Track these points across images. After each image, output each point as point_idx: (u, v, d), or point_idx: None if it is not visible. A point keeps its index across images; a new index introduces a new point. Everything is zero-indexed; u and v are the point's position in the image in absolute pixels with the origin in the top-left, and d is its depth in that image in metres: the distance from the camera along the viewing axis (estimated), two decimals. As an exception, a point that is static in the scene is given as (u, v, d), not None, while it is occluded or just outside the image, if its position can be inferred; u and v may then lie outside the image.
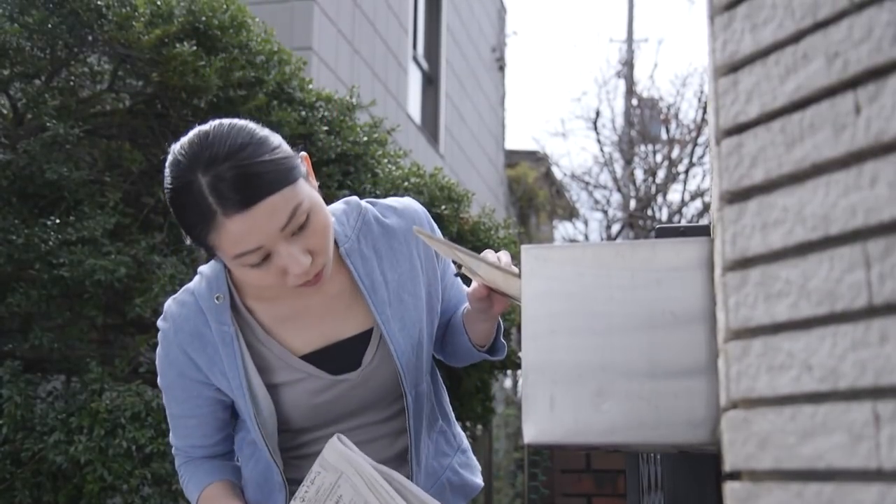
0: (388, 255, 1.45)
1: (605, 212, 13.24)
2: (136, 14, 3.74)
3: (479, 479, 1.62)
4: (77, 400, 3.42)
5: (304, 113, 3.99)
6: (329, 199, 3.64)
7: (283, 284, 1.30)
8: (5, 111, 3.83)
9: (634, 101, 13.38)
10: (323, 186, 4.04)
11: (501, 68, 13.61)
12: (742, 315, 0.78)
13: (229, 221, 1.21)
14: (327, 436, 1.38)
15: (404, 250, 1.46)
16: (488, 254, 1.34)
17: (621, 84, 13.90)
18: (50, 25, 3.63)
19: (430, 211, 4.90)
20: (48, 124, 3.56)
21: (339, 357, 1.43)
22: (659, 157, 12.88)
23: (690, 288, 0.95)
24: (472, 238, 4.51)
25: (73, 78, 3.91)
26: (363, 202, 1.50)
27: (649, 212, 12.62)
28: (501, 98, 13.70)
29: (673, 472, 1.18)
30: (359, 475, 1.33)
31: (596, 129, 13.27)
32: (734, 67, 0.81)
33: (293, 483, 1.43)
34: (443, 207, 4.35)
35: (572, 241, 13.61)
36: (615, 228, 13.04)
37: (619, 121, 13.43)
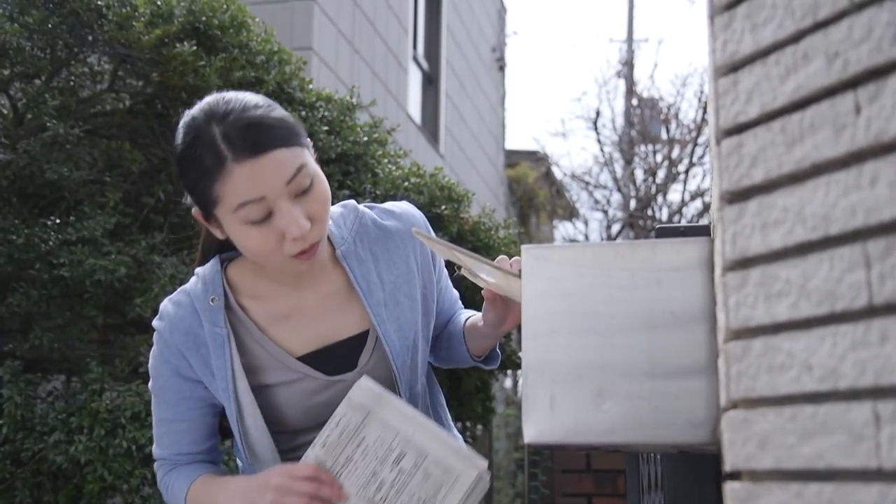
0: (384, 258, 1.46)
1: (606, 212, 13.25)
2: (137, 14, 3.74)
3: None
4: (77, 400, 3.42)
5: (304, 113, 3.99)
6: (329, 199, 3.49)
7: (279, 252, 1.31)
8: (5, 111, 3.83)
9: (634, 101, 13.38)
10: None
11: (501, 68, 13.62)
12: (742, 315, 0.78)
13: (238, 167, 1.26)
14: None
15: (401, 252, 1.47)
16: (503, 261, 1.35)
17: (621, 84, 13.91)
18: (50, 25, 3.63)
19: (430, 211, 4.85)
20: (48, 124, 3.56)
21: (335, 358, 1.43)
22: (659, 157, 12.89)
23: (690, 288, 0.95)
24: (472, 238, 4.51)
25: (73, 78, 3.91)
26: (360, 206, 1.52)
27: (649, 212, 12.62)
28: (501, 98, 13.70)
29: (673, 472, 1.18)
30: (389, 406, 1.33)
31: (596, 129, 13.28)
32: (734, 67, 0.81)
33: None
34: (443, 207, 4.35)
35: (572, 241, 13.61)
36: (615, 228, 13.04)
37: (620, 121, 13.43)
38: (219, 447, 1.57)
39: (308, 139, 1.38)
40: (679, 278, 0.96)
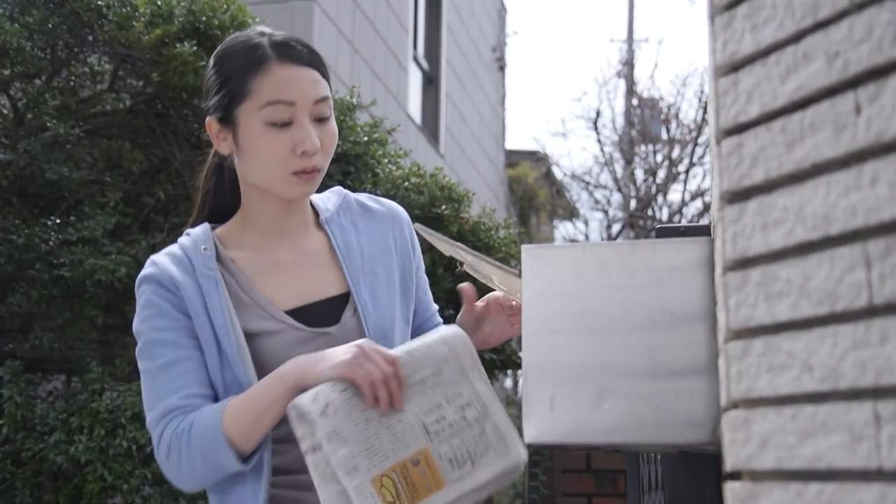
0: (365, 231, 1.54)
1: (606, 212, 13.24)
2: (137, 14, 3.74)
3: None
4: (77, 400, 3.42)
5: (304, 113, 3.99)
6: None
7: (285, 164, 1.39)
8: (6, 111, 3.83)
9: (635, 101, 13.37)
10: (323, 186, 4.04)
11: (502, 68, 13.61)
12: (742, 315, 0.78)
13: (279, 67, 1.38)
14: None
15: (380, 231, 1.55)
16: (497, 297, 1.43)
17: (622, 84, 13.90)
18: (50, 25, 3.63)
19: (430, 211, 4.85)
20: (48, 124, 3.56)
21: (317, 316, 1.45)
22: (659, 157, 12.88)
23: (691, 288, 0.95)
24: (472, 238, 4.51)
25: (73, 78, 3.91)
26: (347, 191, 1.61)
27: (650, 212, 12.62)
28: (502, 98, 13.70)
29: (673, 472, 1.18)
30: (474, 364, 1.35)
31: (596, 128, 13.27)
32: (734, 67, 0.81)
33: (278, 472, 1.40)
34: (443, 207, 4.35)
35: (573, 241, 13.61)
36: (615, 228, 13.04)
37: (620, 121, 13.43)
38: None
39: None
40: (679, 278, 0.96)
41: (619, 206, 13.05)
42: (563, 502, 3.98)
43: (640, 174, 12.91)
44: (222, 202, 1.53)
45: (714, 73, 0.83)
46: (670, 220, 12.25)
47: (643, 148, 13.07)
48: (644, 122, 13.09)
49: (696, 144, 12.28)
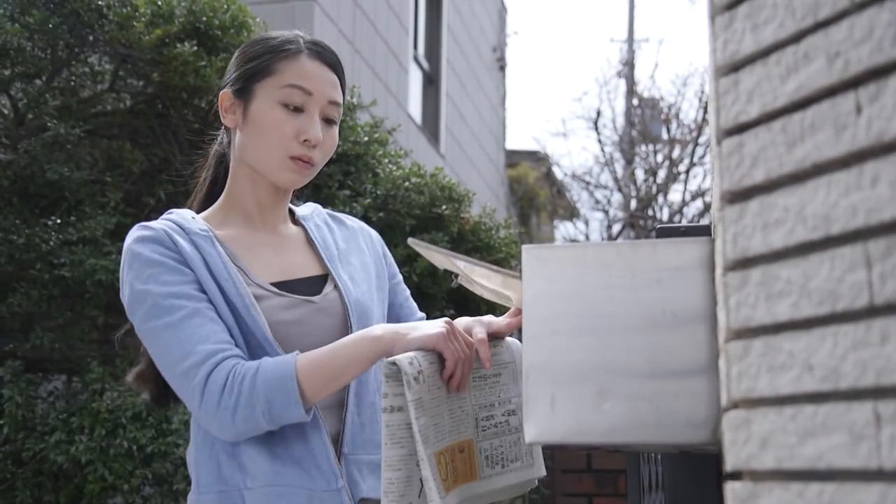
0: (338, 232, 1.61)
1: (606, 212, 13.25)
2: (137, 14, 3.74)
3: None
4: (78, 400, 3.42)
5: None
6: (330, 199, 3.64)
7: (285, 146, 1.44)
8: (6, 111, 3.83)
9: (635, 101, 13.38)
10: (324, 186, 4.05)
11: (502, 68, 13.61)
12: (743, 315, 0.78)
13: (307, 60, 1.47)
14: None
15: (352, 235, 1.63)
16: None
17: (622, 84, 13.91)
18: (51, 25, 3.63)
19: (430, 211, 4.84)
20: (49, 124, 3.56)
21: (299, 289, 1.48)
22: (660, 157, 12.89)
23: (691, 288, 0.95)
24: (472, 238, 4.51)
25: (73, 78, 3.91)
26: None
27: (650, 212, 12.62)
28: (502, 98, 13.70)
29: (674, 472, 1.18)
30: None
31: (597, 128, 13.28)
32: (735, 67, 0.81)
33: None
34: (443, 207, 4.35)
35: (573, 241, 13.61)
36: (616, 228, 13.04)
37: (620, 121, 13.43)
38: None
39: None
40: (680, 278, 0.96)
41: (620, 206, 13.05)
42: (564, 502, 3.99)
43: (640, 174, 12.91)
44: (217, 191, 1.56)
45: (714, 72, 0.83)
46: (671, 220, 12.25)
47: (644, 148, 13.07)
48: (644, 122, 13.09)
49: (696, 144, 12.28)
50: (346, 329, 1.46)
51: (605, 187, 13.28)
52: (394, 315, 1.62)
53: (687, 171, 12.43)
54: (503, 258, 4.47)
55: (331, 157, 1.53)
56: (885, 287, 0.65)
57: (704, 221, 7.74)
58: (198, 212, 1.54)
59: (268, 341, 1.38)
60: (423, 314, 1.68)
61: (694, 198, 12.46)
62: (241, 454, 1.38)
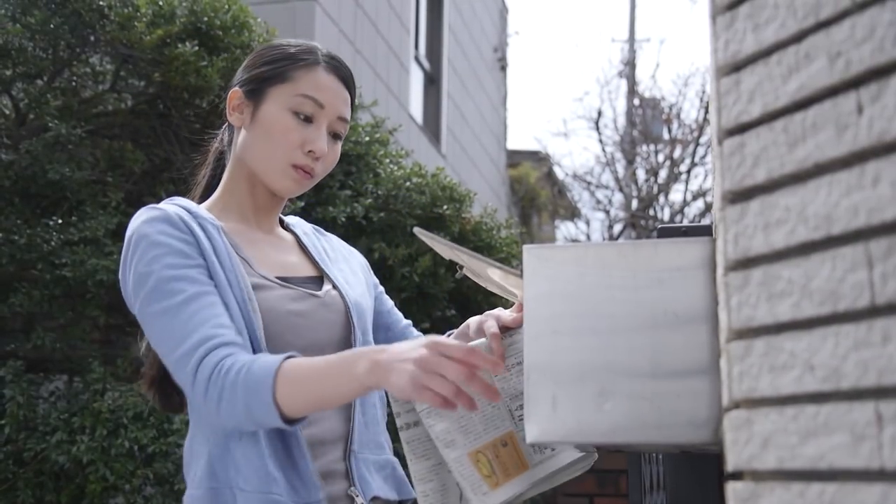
0: (324, 241, 1.63)
1: (607, 212, 13.24)
2: (138, 14, 3.74)
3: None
4: (79, 400, 3.42)
5: (305, 113, 3.99)
6: (331, 199, 3.64)
7: (289, 153, 1.45)
8: (8, 111, 3.83)
9: (636, 101, 13.37)
10: (325, 186, 4.05)
11: (503, 68, 13.61)
12: (744, 315, 0.78)
13: (323, 72, 1.48)
14: None
15: (337, 245, 1.65)
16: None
17: (623, 84, 13.91)
18: (52, 26, 3.63)
19: (431, 211, 4.83)
20: (50, 124, 3.56)
21: (301, 285, 1.47)
22: (661, 157, 12.88)
23: (693, 288, 0.95)
24: (473, 238, 4.51)
25: (75, 78, 3.91)
26: None
27: (651, 212, 12.62)
28: (503, 98, 13.69)
29: (675, 472, 1.18)
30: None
31: (598, 128, 13.27)
32: (736, 67, 0.81)
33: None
34: (444, 207, 4.34)
35: (574, 241, 13.61)
36: (617, 228, 13.03)
37: (621, 121, 13.43)
38: None
39: None
40: (681, 278, 0.96)
41: (621, 206, 13.05)
42: (565, 502, 3.98)
43: (641, 174, 12.91)
44: (210, 191, 1.56)
45: (716, 72, 0.83)
46: (672, 220, 12.24)
47: (645, 148, 13.06)
48: (646, 122, 13.09)
49: (697, 144, 12.28)
50: (349, 326, 1.46)
51: (607, 187, 13.28)
52: (383, 322, 1.63)
53: (688, 171, 12.42)
54: (504, 258, 4.47)
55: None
56: (887, 287, 0.65)
57: (706, 221, 7.74)
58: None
59: (257, 339, 1.35)
60: (408, 321, 1.68)
61: (695, 198, 12.45)
62: (235, 451, 1.34)
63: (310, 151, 1.44)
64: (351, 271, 1.59)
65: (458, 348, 1.15)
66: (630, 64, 13.83)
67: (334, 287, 1.50)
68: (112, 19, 3.71)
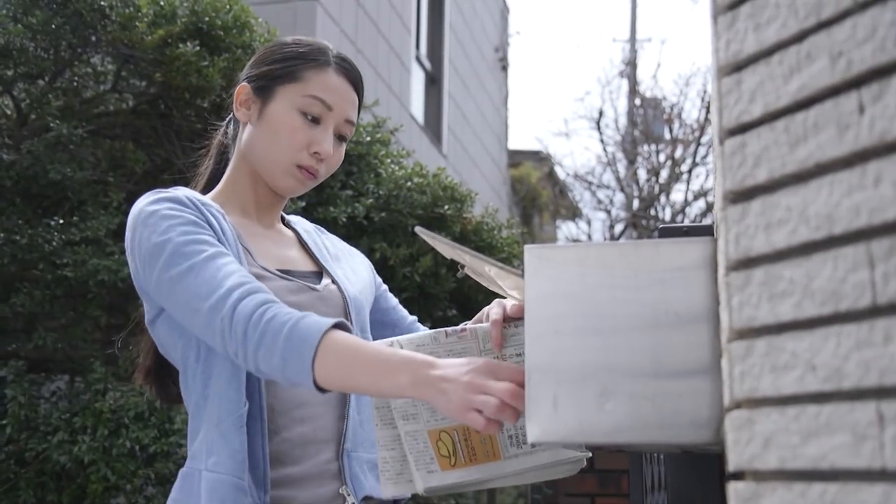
0: (325, 239, 1.63)
1: (609, 212, 13.24)
2: (140, 14, 3.75)
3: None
4: (81, 400, 3.43)
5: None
6: (332, 199, 3.64)
7: (294, 153, 1.44)
8: (9, 112, 3.84)
9: (637, 101, 13.37)
10: (326, 186, 4.05)
11: (504, 68, 13.61)
12: (746, 315, 0.78)
13: (334, 73, 1.48)
14: None
15: (338, 243, 1.65)
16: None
17: (624, 84, 13.91)
18: (53, 26, 3.64)
19: (433, 211, 4.82)
20: (52, 125, 3.56)
21: (300, 278, 1.47)
22: (662, 157, 12.88)
23: (694, 288, 0.95)
24: (475, 238, 4.51)
25: (76, 78, 3.92)
26: None
27: (652, 212, 12.61)
28: (504, 98, 13.69)
29: (676, 472, 1.18)
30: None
31: (599, 128, 13.27)
32: (738, 67, 0.81)
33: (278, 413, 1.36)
34: (446, 207, 4.34)
35: (575, 241, 13.60)
36: (618, 228, 13.03)
37: (623, 120, 13.42)
38: None
39: None
40: (682, 278, 0.96)
41: (622, 206, 13.04)
42: (566, 502, 3.98)
43: (642, 174, 12.90)
44: (212, 185, 1.56)
45: (717, 72, 0.83)
46: (673, 219, 12.24)
47: (646, 148, 13.06)
48: (647, 122, 13.09)
49: (698, 144, 12.27)
50: (347, 321, 1.45)
51: (608, 187, 13.28)
52: (389, 319, 1.63)
53: (689, 171, 12.42)
54: (506, 258, 4.47)
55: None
56: (888, 287, 0.65)
57: (707, 221, 7.73)
58: None
59: None
60: (413, 317, 1.68)
61: (696, 198, 12.45)
62: (216, 429, 1.32)
63: (315, 153, 1.45)
64: (352, 269, 1.59)
65: (508, 371, 1.12)
66: (631, 64, 13.83)
67: (333, 282, 1.50)
68: (113, 19, 3.71)
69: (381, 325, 1.61)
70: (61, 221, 3.53)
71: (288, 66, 1.47)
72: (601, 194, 13.34)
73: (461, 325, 1.41)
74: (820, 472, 0.69)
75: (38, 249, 3.41)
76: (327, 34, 6.93)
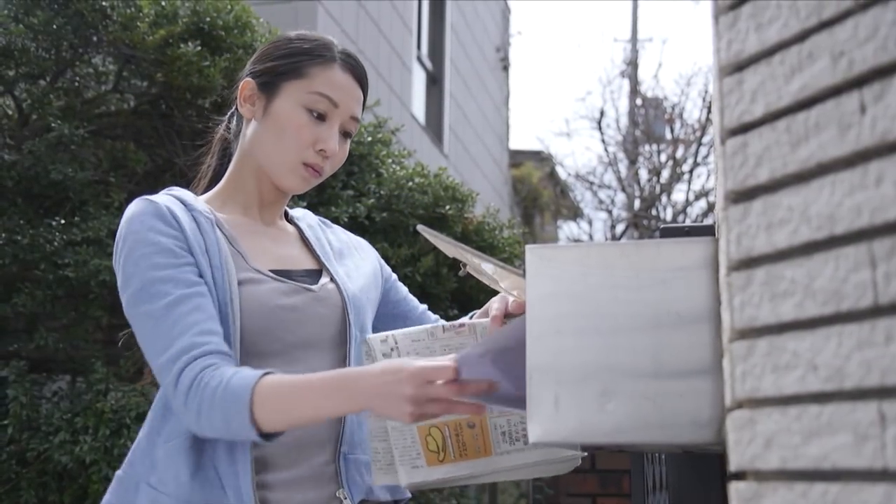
0: (329, 234, 1.62)
1: (610, 212, 13.23)
2: (141, 15, 3.75)
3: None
4: (82, 400, 3.43)
5: (308, 113, 3.99)
6: (333, 199, 3.65)
7: (300, 150, 1.44)
8: (10, 112, 3.84)
9: (639, 101, 13.36)
10: (327, 186, 4.05)
11: (506, 68, 13.60)
12: (747, 315, 0.77)
13: (339, 70, 1.48)
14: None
15: (344, 237, 1.63)
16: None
17: (626, 84, 13.90)
18: (55, 26, 3.64)
19: (434, 211, 4.83)
20: (53, 125, 3.56)
21: (296, 279, 1.46)
22: (663, 157, 12.86)
23: (695, 288, 0.95)
24: (476, 238, 4.51)
25: (77, 78, 3.92)
26: None
27: (654, 212, 12.60)
28: (506, 98, 13.69)
29: (678, 472, 1.18)
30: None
31: (600, 128, 13.26)
32: (739, 67, 0.81)
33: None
34: (447, 207, 4.34)
35: (577, 241, 13.60)
36: (619, 228, 13.02)
37: (624, 120, 13.42)
38: None
39: None
40: (684, 278, 0.96)
41: (623, 206, 13.04)
42: (568, 502, 3.98)
43: (643, 174, 12.89)
44: (216, 181, 1.55)
45: (718, 72, 0.83)
46: (674, 219, 12.23)
47: (647, 148, 13.05)
48: (648, 122, 13.08)
49: (700, 144, 12.26)
50: (344, 321, 1.45)
51: (609, 187, 13.27)
52: (399, 311, 1.62)
53: (690, 171, 12.41)
54: (507, 258, 4.47)
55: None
56: (890, 287, 0.65)
57: (708, 221, 7.73)
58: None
59: (229, 341, 1.33)
60: (424, 306, 1.67)
61: (698, 197, 12.43)
62: (157, 448, 1.34)
63: (321, 150, 1.44)
64: (354, 265, 1.57)
65: (441, 372, 1.18)
66: (632, 64, 13.82)
67: (332, 280, 1.48)
68: (115, 20, 3.71)
69: (392, 318, 1.59)
70: (62, 221, 3.54)
71: (293, 62, 1.46)
72: (602, 194, 13.34)
73: (460, 321, 1.41)
74: (821, 472, 0.69)
75: (39, 249, 3.41)
76: (328, 34, 6.91)
